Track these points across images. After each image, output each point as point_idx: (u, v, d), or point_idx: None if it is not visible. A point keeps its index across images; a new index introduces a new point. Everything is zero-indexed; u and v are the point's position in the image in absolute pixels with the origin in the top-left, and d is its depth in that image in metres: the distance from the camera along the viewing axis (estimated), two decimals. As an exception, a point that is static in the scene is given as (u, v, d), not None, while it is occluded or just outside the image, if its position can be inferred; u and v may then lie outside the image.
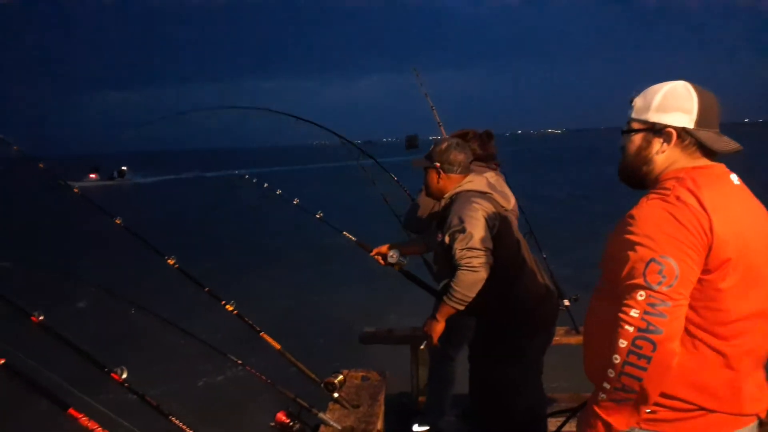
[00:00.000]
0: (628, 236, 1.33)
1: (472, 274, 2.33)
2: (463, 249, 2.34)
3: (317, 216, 3.63)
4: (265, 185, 4.12)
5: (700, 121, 1.41)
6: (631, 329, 1.25)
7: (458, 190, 2.54)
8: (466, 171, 2.61)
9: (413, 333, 3.60)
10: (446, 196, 2.57)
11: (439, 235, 2.52)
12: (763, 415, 1.42)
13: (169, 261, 2.85)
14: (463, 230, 2.36)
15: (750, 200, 1.44)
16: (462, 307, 2.39)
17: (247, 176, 4.43)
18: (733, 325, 1.33)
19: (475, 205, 2.42)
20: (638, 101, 1.48)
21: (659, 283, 1.24)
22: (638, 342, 1.24)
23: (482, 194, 2.50)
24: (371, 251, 3.08)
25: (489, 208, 2.44)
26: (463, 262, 2.34)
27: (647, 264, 1.26)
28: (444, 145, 2.60)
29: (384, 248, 3.02)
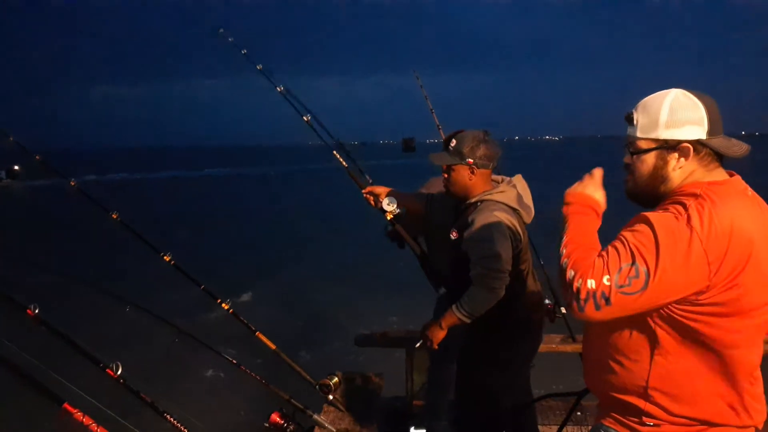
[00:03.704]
0: (632, 229, 1.27)
1: (489, 294, 2.28)
2: (486, 268, 2.26)
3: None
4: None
5: (711, 130, 1.35)
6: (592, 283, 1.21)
7: (488, 197, 2.37)
8: (496, 166, 2.45)
9: (408, 336, 3.59)
10: (474, 199, 2.40)
11: (454, 233, 2.43)
12: (761, 426, 1.41)
13: (165, 257, 2.84)
14: (490, 249, 2.26)
15: (761, 212, 1.36)
16: (468, 321, 2.34)
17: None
18: (737, 342, 1.32)
19: (505, 223, 2.30)
20: (641, 118, 1.38)
21: (621, 286, 1.20)
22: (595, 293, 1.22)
23: (512, 210, 2.37)
24: (364, 188, 2.77)
25: (515, 226, 2.34)
26: (484, 281, 2.28)
27: (630, 265, 1.21)
28: (474, 141, 2.38)
29: (379, 189, 2.72)
